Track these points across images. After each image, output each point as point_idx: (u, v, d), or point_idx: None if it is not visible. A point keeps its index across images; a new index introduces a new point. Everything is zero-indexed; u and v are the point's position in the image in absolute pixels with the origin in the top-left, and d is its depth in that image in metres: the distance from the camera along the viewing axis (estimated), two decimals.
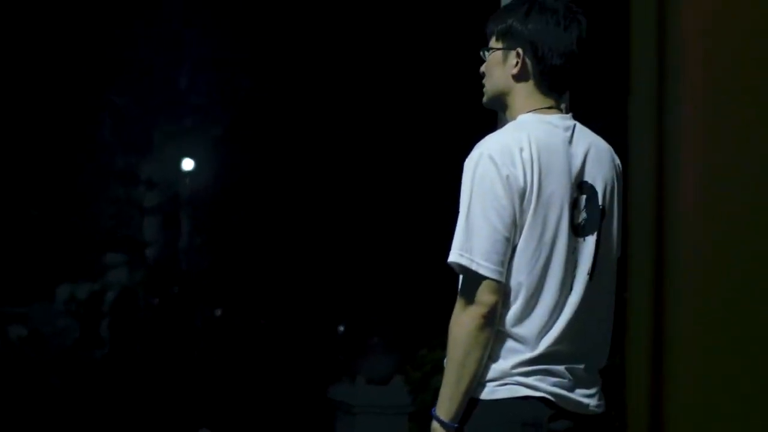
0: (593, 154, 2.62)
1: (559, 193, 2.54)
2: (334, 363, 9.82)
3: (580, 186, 2.59)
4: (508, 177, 2.49)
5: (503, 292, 2.51)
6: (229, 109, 14.49)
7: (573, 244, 2.56)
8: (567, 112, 2.69)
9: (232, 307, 13.83)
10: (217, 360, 12.17)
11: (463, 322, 2.50)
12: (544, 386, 2.52)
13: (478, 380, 2.52)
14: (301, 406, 10.01)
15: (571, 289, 2.56)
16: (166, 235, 15.05)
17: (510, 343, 2.53)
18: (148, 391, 10.71)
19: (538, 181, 2.51)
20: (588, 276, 2.57)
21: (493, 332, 2.51)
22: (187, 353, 12.05)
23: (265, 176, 14.01)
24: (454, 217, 2.55)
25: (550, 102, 2.65)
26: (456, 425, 2.54)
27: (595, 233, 2.59)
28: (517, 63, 2.65)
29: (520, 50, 2.64)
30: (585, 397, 2.58)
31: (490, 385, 2.53)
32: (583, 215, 2.59)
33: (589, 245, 2.58)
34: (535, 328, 2.53)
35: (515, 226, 2.51)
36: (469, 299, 2.50)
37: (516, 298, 2.53)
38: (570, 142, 2.60)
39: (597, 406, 2.60)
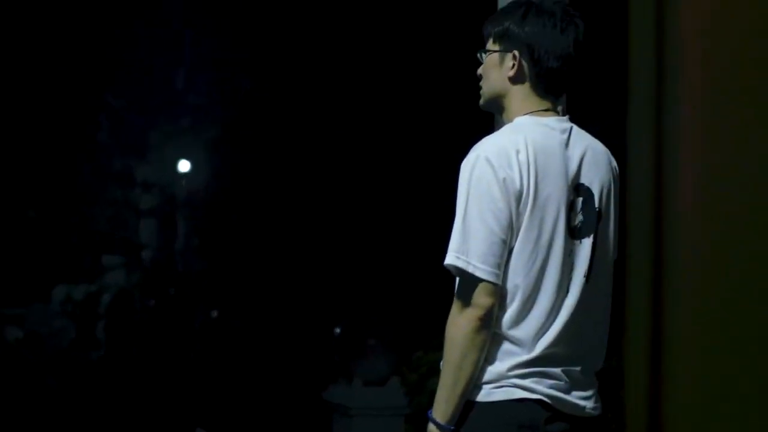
0: (590, 157, 2.62)
1: (555, 195, 2.54)
2: (330, 365, 9.82)
3: (577, 188, 2.59)
4: (504, 179, 2.49)
5: (500, 294, 2.51)
6: (227, 110, 14.49)
7: (569, 247, 2.56)
8: (564, 115, 2.69)
9: (228, 309, 13.83)
10: (214, 361, 12.16)
11: (460, 324, 2.50)
12: (540, 388, 2.52)
13: (475, 382, 2.53)
14: (297, 407, 10.00)
15: (567, 291, 2.56)
16: (163, 236, 15.04)
17: (506, 346, 2.53)
18: (144, 392, 10.70)
19: (535, 183, 2.51)
20: (584, 278, 2.57)
21: (490, 335, 2.51)
22: (184, 354, 12.04)
23: (262, 178, 14.00)
24: (451, 220, 2.55)
25: (546, 104, 2.66)
26: (452, 428, 2.54)
27: (592, 236, 2.60)
28: (514, 65, 2.65)
29: (516, 53, 2.64)
30: (581, 399, 2.58)
31: (486, 388, 2.53)
32: (580, 218, 2.59)
33: (585, 248, 2.58)
34: (532, 330, 2.53)
35: (512, 229, 2.51)
36: (466, 301, 2.50)
37: (512, 300, 2.53)
38: (567, 144, 2.60)
39: (593, 409, 2.60)
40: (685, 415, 1.03)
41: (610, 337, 2.68)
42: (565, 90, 2.75)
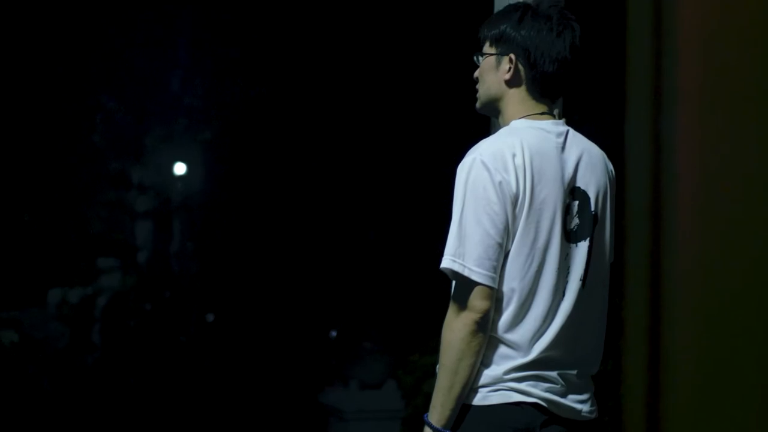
0: (586, 160, 2.62)
1: (551, 198, 2.54)
2: (326, 368, 9.82)
3: (573, 192, 2.59)
4: (500, 183, 2.49)
5: (496, 297, 2.51)
6: (223, 113, 14.48)
7: (565, 250, 2.56)
8: (560, 118, 2.69)
9: (224, 312, 13.82)
10: (209, 365, 12.15)
11: (456, 327, 2.50)
12: (536, 392, 2.52)
13: (471, 386, 2.52)
14: (293, 411, 9.99)
15: (563, 295, 2.56)
16: (158, 239, 15.03)
17: (502, 349, 2.53)
18: (139, 396, 10.69)
19: (531, 186, 2.51)
20: (580, 282, 2.57)
21: (486, 338, 2.51)
22: (179, 358, 12.03)
23: (258, 181, 14.00)
24: (447, 223, 2.55)
25: (542, 108, 2.66)
26: (448, 431, 2.54)
27: (588, 239, 2.60)
28: (510, 68, 2.65)
29: (512, 56, 2.64)
30: (577, 402, 2.58)
31: (482, 391, 2.53)
32: (576, 221, 2.59)
33: (581, 251, 2.58)
34: (528, 333, 2.53)
35: (508, 232, 2.51)
36: (462, 305, 2.50)
37: (508, 303, 2.53)
38: (563, 147, 2.60)
39: (590, 412, 2.60)
40: (684, 419, 1.03)
41: (606, 340, 2.68)
42: (562, 94, 2.75)
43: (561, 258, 2.55)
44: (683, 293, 1.02)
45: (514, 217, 2.51)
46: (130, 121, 14.65)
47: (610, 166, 2.70)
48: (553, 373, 2.54)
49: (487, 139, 2.62)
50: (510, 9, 2.71)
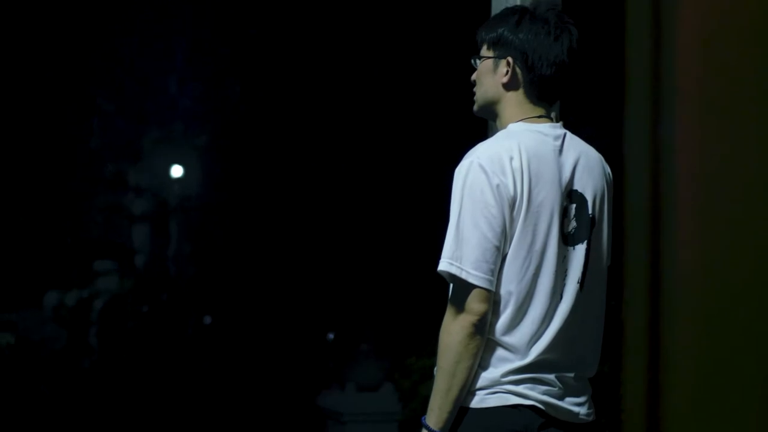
0: (583, 163, 2.62)
1: (549, 201, 2.54)
2: (323, 370, 9.82)
3: (570, 195, 2.59)
4: (498, 186, 2.49)
5: (493, 300, 2.51)
6: (220, 115, 14.49)
7: (563, 253, 2.56)
8: (557, 121, 2.69)
9: (221, 315, 13.82)
10: (207, 367, 12.15)
11: (453, 330, 2.50)
12: (534, 395, 2.52)
13: (468, 389, 2.52)
14: (290, 413, 9.99)
15: (561, 297, 2.56)
16: (155, 242, 15.03)
17: (500, 352, 2.53)
18: (137, 399, 10.68)
19: (528, 189, 2.51)
20: (578, 285, 2.57)
21: (483, 341, 2.51)
22: (176, 360, 12.02)
23: (255, 183, 14.00)
24: (444, 226, 2.55)
25: (540, 111, 2.66)
26: None
27: (585, 242, 2.60)
28: (508, 72, 2.65)
29: (510, 59, 2.64)
30: (575, 405, 2.58)
31: (480, 394, 2.53)
32: (573, 224, 2.59)
33: (579, 254, 2.59)
34: (525, 336, 2.53)
35: (505, 235, 2.51)
36: (459, 308, 2.50)
37: (506, 306, 2.53)
38: (560, 151, 2.60)
39: (587, 415, 2.60)
40: (684, 419, 1.03)
41: (604, 343, 2.68)
42: (559, 97, 2.76)
43: (558, 261, 2.55)
44: (683, 294, 1.02)
45: (512, 220, 2.51)
46: (126, 124, 14.65)
47: (608, 169, 2.70)
48: (551, 376, 2.54)
49: (484, 142, 2.62)
50: (507, 12, 2.72)
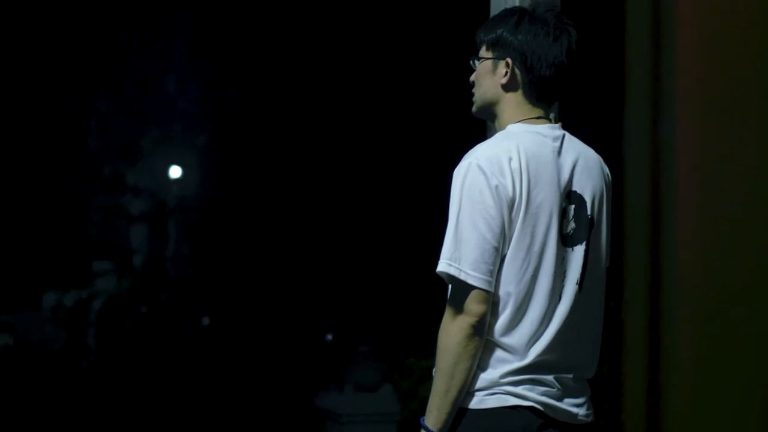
0: (582, 164, 2.62)
1: (547, 203, 2.54)
2: (322, 371, 9.81)
3: (569, 196, 2.59)
4: (497, 187, 2.49)
5: (492, 301, 2.51)
6: (218, 116, 14.49)
7: (562, 254, 2.56)
8: (556, 122, 2.69)
9: (219, 315, 13.81)
10: (205, 368, 12.15)
11: (452, 331, 2.50)
12: (533, 396, 2.52)
13: (467, 390, 2.52)
14: (289, 414, 9.98)
15: (559, 298, 2.56)
16: (154, 242, 15.03)
17: (499, 353, 2.53)
18: (135, 400, 10.68)
19: (527, 191, 2.51)
20: (577, 286, 2.57)
21: (482, 342, 2.51)
22: (175, 361, 12.02)
23: (254, 184, 14.00)
24: (443, 227, 2.55)
25: (539, 112, 2.66)
26: None
27: (584, 243, 2.60)
28: (507, 73, 2.65)
29: (509, 60, 2.64)
30: (574, 406, 2.57)
31: (478, 395, 2.52)
32: (572, 225, 2.59)
33: (577, 255, 2.58)
34: (524, 337, 2.53)
35: (504, 236, 2.51)
36: (458, 309, 2.49)
37: (505, 307, 2.53)
38: (559, 152, 2.60)
39: (586, 416, 2.60)
40: (684, 420, 1.03)
41: (602, 343, 2.68)
42: (558, 98, 2.76)
43: (557, 262, 2.55)
44: (683, 294, 1.02)
45: (511, 221, 2.51)
46: (125, 124, 14.65)
47: (607, 170, 2.70)
48: (550, 377, 2.54)
49: (483, 143, 2.62)
50: (506, 13, 2.72)
